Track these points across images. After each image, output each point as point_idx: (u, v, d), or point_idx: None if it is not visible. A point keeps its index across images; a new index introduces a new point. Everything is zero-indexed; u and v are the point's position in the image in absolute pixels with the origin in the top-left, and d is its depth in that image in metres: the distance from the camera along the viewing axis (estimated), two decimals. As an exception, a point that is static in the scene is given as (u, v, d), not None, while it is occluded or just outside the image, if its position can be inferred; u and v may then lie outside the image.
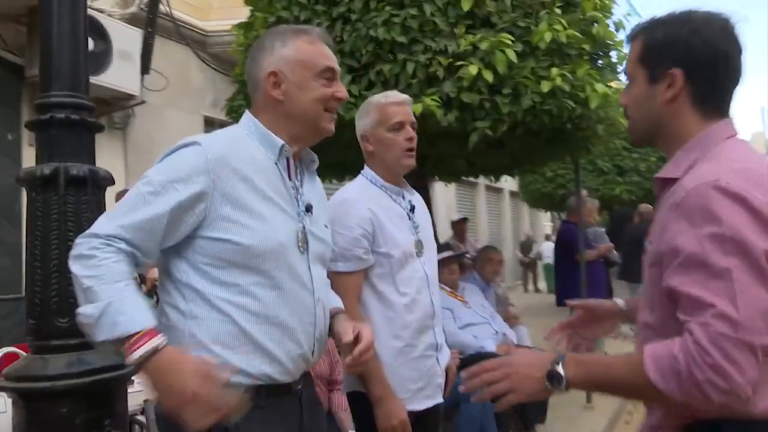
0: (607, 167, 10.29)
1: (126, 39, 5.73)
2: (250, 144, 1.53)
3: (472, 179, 9.57)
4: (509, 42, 3.39)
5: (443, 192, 12.37)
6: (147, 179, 1.41)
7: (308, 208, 1.59)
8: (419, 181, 4.06)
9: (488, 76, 3.35)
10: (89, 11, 5.51)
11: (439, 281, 2.34)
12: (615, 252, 6.93)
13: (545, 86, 3.42)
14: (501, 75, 3.42)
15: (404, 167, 2.14)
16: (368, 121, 2.13)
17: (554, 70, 3.48)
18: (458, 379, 1.51)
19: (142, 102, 6.08)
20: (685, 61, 1.21)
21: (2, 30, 5.16)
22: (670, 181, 1.22)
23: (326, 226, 1.69)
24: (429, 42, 3.47)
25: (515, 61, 3.38)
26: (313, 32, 1.60)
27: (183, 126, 6.61)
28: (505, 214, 17.63)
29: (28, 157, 5.13)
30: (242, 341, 1.43)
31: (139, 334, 1.26)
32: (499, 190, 17.03)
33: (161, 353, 1.26)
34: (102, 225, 1.36)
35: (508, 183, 15.48)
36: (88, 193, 1.80)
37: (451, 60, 3.43)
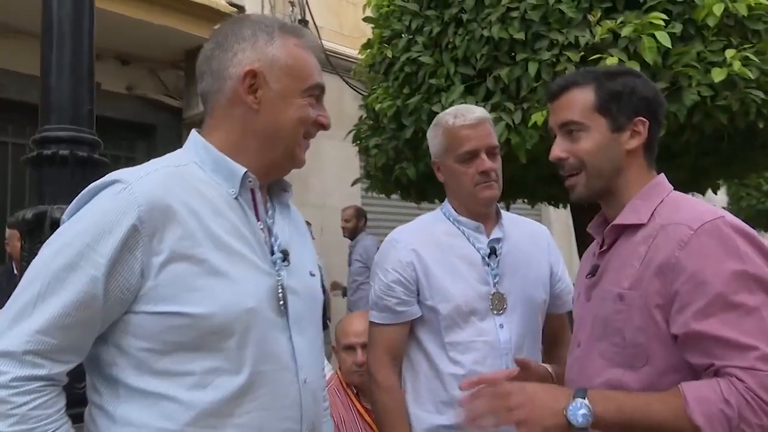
0: None
1: (274, 73, 5.84)
2: (198, 176, 1.13)
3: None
4: (661, 23, 2.62)
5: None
6: (55, 246, 1.02)
7: (285, 255, 1.17)
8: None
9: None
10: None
11: None
12: None
13: (717, 75, 2.59)
14: (654, 66, 2.66)
15: (481, 202, 1.63)
16: (437, 145, 1.67)
17: (730, 53, 2.62)
18: None
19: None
20: (645, 111, 1.24)
21: (163, 76, 5.54)
22: (632, 227, 1.20)
23: (313, 274, 1.28)
24: (555, 36, 2.84)
25: (670, 46, 2.60)
26: (305, 36, 1.22)
27: (338, 155, 6.57)
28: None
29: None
30: None
31: None
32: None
33: None
34: (4, 335, 0.98)
35: (719, 197, 13.34)
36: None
37: (583, 54, 2.76)
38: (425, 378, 1.59)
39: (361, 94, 7.22)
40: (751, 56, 2.64)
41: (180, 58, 5.46)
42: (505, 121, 2.90)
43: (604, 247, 1.26)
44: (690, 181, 4.23)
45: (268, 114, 1.15)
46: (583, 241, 4.10)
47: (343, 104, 7.21)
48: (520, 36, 2.88)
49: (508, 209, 4.95)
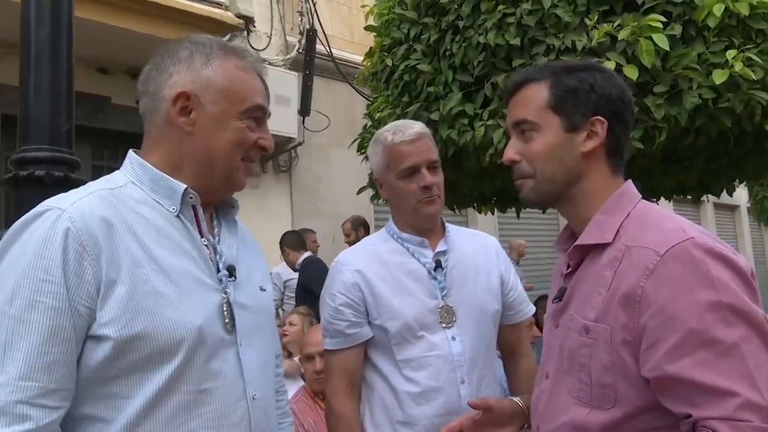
0: None
1: (282, 84, 5.85)
2: (135, 196, 1.12)
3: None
4: (659, 25, 2.56)
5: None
6: (6, 290, 0.98)
7: (230, 271, 1.16)
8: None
9: (631, 73, 2.55)
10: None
11: None
12: None
13: (719, 76, 2.52)
14: (653, 68, 2.60)
15: (424, 217, 1.60)
16: (378, 163, 1.64)
17: (731, 53, 2.54)
18: None
19: (299, 144, 6.15)
20: (605, 110, 1.11)
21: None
22: (597, 247, 1.08)
23: (263, 289, 1.27)
24: (552, 40, 2.79)
25: (668, 48, 2.53)
26: (248, 56, 1.20)
27: (348, 163, 6.56)
28: (743, 237, 14.85)
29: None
30: None
31: None
32: (732, 208, 14.43)
33: None
34: None
35: (744, 198, 13.05)
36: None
37: (580, 58, 2.70)
38: (381, 398, 1.56)
39: (369, 101, 7.24)
40: (754, 56, 2.56)
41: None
42: (503, 128, 2.86)
43: (570, 269, 1.14)
44: (700, 184, 4.13)
45: (202, 137, 1.13)
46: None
47: (355, 112, 7.20)
48: (517, 42, 2.84)
49: (518, 217, 4.89)
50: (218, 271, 1.15)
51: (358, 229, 5.64)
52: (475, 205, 4.60)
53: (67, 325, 0.97)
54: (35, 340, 0.95)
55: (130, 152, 1.18)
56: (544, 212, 5.30)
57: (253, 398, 1.13)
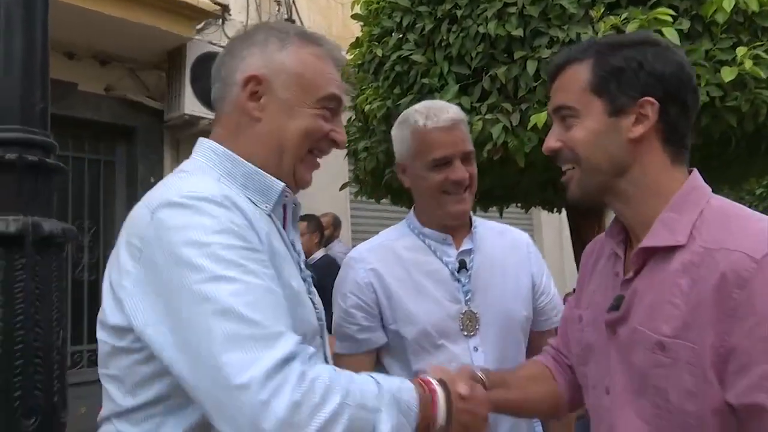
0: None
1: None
2: (232, 190, 1.03)
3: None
4: (668, 18, 2.47)
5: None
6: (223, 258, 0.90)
7: (312, 273, 1.16)
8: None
9: (638, 68, 2.45)
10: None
11: None
12: None
13: (728, 74, 2.44)
14: (659, 65, 2.51)
15: (449, 216, 1.45)
16: (403, 147, 1.48)
17: (741, 51, 2.47)
18: None
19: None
20: (657, 90, 0.98)
21: (145, 77, 5.33)
22: (665, 249, 0.95)
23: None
24: (555, 32, 2.68)
25: (678, 43, 2.44)
26: (326, 45, 1.14)
27: (327, 158, 6.39)
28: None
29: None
30: None
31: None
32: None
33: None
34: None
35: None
36: (25, 255, 1.37)
37: (585, 52, 2.60)
38: None
39: (348, 95, 7.05)
40: (762, 54, 2.50)
41: (161, 58, 5.25)
42: (503, 123, 2.74)
43: (630, 275, 1.01)
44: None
45: (272, 124, 1.07)
46: (581, 247, 3.94)
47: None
48: (518, 33, 2.72)
49: (501, 215, 4.81)
50: (301, 270, 1.11)
51: (334, 228, 5.48)
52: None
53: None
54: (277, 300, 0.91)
55: (209, 142, 1.09)
56: (527, 212, 5.20)
57: None
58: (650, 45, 1.02)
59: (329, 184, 4.87)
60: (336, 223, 5.50)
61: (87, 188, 5.08)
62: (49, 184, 1.49)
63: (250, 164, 1.06)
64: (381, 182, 3.58)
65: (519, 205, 4.58)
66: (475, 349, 1.41)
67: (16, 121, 1.44)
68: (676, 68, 1.00)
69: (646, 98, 0.98)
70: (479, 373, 1.23)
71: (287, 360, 0.82)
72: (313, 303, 1.10)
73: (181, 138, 5.45)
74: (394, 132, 1.52)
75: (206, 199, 0.92)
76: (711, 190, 1.01)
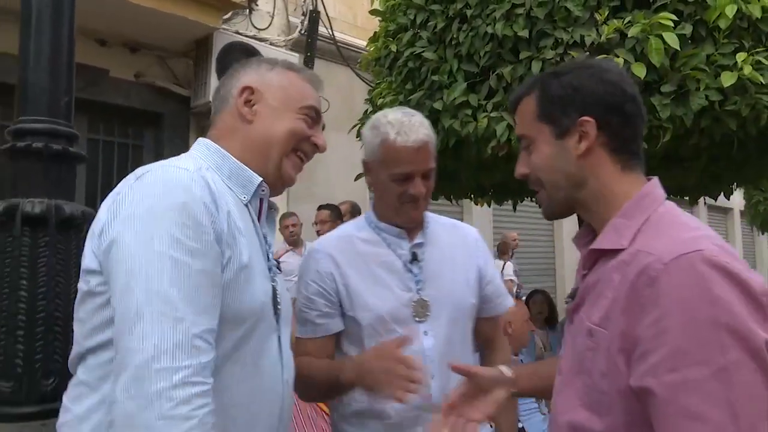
0: None
1: (283, 65, 5.78)
2: (217, 180, 1.19)
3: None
4: (670, 23, 2.53)
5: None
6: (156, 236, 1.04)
7: (277, 263, 1.29)
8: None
9: (639, 71, 2.53)
10: (252, 41, 5.73)
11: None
12: None
13: (727, 79, 2.49)
14: (661, 68, 2.58)
15: (405, 221, 1.57)
16: (373, 150, 1.56)
17: (741, 56, 2.52)
18: None
19: (298, 126, 6.10)
20: (593, 107, 1.09)
21: (173, 65, 5.51)
22: (610, 252, 1.05)
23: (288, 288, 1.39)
24: (560, 34, 2.76)
25: (678, 47, 2.51)
26: (306, 72, 1.36)
27: (346, 147, 6.51)
28: (734, 240, 14.95)
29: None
30: None
31: None
32: (726, 210, 14.51)
33: None
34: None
35: (739, 201, 13.08)
36: (48, 234, 1.53)
37: (588, 53, 2.68)
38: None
39: (370, 86, 7.17)
40: (764, 60, 2.54)
41: (189, 47, 5.43)
42: (507, 121, 2.83)
43: (585, 270, 1.12)
44: (699, 186, 4.12)
45: (261, 125, 1.25)
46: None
47: (354, 97, 7.15)
48: (525, 34, 2.80)
49: (514, 210, 4.88)
50: (268, 260, 1.25)
51: (335, 221, 5.61)
52: (472, 196, 4.58)
53: (216, 270, 1.05)
54: (199, 281, 1.01)
55: (205, 140, 1.27)
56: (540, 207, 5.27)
57: (287, 382, 1.25)
58: (585, 69, 1.13)
59: (349, 175, 5.01)
60: (354, 211, 5.63)
61: (115, 171, 5.31)
62: (72, 171, 1.65)
63: (236, 160, 1.22)
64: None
65: (533, 199, 4.67)
66: (425, 333, 1.52)
67: (43, 113, 1.61)
68: (610, 86, 1.10)
69: (583, 118, 1.08)
70: (504, 370, 1.36)
71: (181, 346, 0.95)
72: (275, 289, 1.23)
73: (207, 125, 5.58)
74: (365, 132, 1.60)
75: (180, 168, 1.09)
76: (666, 196, 1.10)
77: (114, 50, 5.14)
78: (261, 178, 1.23)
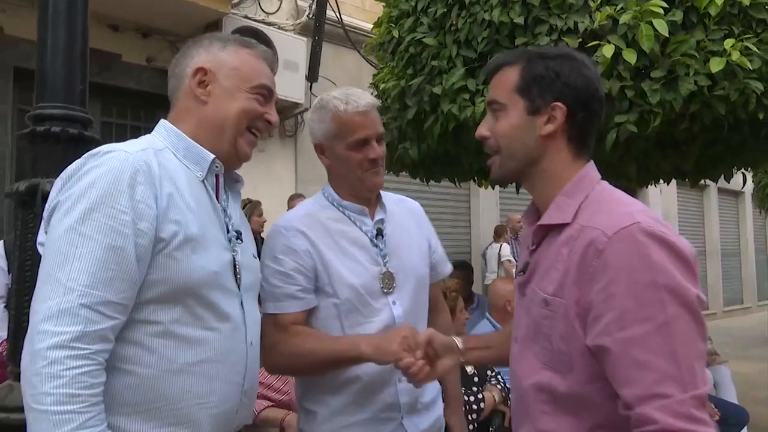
0: None
1: (291, 49, 5.89)
2: (172, 159, 1.28)
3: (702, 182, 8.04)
4: (660, 11, 2.60)
5: (657, 197, 10.83)
6: (85, 217, 1.14)
7: (238, 235, 1.35)
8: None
9: (630, 57, 2.61)
10: (260, 25, 5.82)
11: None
12: None
13: (715, 64, 2.57)
14: (652, 54, 2.65)
15: (368, 188, 1.66)
16: (324, 130, 1.63)
17: (729, 42, 2.59)
18: None
19: (306, 110, 6.21)
20: (568, 97, 1.19)
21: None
22: (556, 227, 1.17)
23: (255, 257, 1.45)
24: (555, 21, 2.84)
25: (667, 34, 2.58)
26: (259, 48, 1.41)
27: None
28: (745, 223, 14.90)
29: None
30: (148, 398, 1.16)
31: None
32: (737, 194, 14.44)
33: None
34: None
35: (750, 185, 13.03)
36: (67, 212, 1.66)
37: (581, 40, 2.76)
38: None
39: (377, 70, 7.24)
40: (752, 46, 2.61)
41: (199, 31, 5.53)
42: (503, 105, 2.92)
43: (534, 246, 1.23)
44: (697, 169, 4.19)
45: (216, 106, 1.32)
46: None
47: (362, 80, 7.21)
48: (521, 20, 2.88)
49: (517, 192, 4.98)
50: (228, 232, 1.32)
51: None
52: (475, 178, 4.68)
53: (128, 247, 1.11)
54: (106, 256, 1.09)
55: (164, 121, 1.34)
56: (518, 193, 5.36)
57: (251, 344, 1.33)
58: (569, 59, 1.22)
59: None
60: None
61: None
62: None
63: (190, 140, 1.29)
64: (394, 156, 3.80)
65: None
66: (393, 303, 1.62)
67: (60, 100, 1.73)
68: (587, 82, 1.20)
69: (556, 103, 1.18)
70: (455, 340, 1.51)
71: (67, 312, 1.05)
72: (234, 258, 1.30)
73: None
74: (311, 116, 1.68)
75: (118, 150, 1.18)
76: (601, 177, 1.22)
77: (126, 35, 5.27)
78: (213, 156, 1.29)
